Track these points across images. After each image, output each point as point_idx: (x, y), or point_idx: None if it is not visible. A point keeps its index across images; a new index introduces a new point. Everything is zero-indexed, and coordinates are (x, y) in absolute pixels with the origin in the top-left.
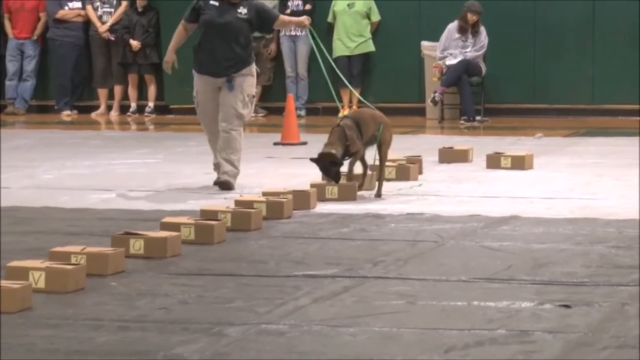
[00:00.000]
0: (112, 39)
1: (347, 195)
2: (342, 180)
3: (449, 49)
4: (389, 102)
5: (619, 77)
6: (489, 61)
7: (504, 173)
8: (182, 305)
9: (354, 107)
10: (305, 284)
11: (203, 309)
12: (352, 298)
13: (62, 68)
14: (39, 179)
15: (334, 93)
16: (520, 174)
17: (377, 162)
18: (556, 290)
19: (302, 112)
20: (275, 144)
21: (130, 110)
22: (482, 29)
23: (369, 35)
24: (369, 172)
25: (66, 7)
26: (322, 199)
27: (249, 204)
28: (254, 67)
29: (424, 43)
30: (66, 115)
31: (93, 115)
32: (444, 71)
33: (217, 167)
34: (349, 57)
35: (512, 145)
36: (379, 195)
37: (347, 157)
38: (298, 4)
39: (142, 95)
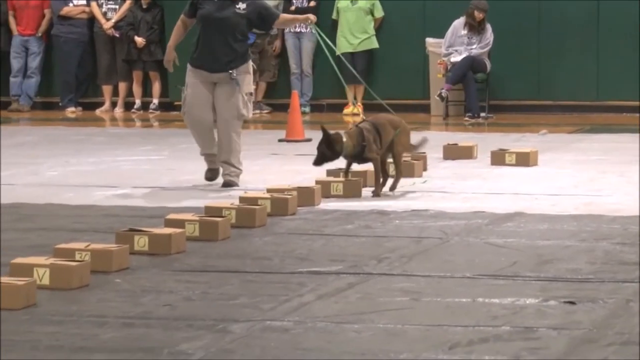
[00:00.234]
0: (117, 35)
1: (351, 192)
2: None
3: (454, 45)
4: (393, 99)
5: (623, 74)
6: (494, 58)
7: (509, 170)
8: (187, 302)
9: (359, 103)
10: (309, 281)
11: (207, 306)
12: (356, 295)
13: (66, 65)
14: (43, 175)
15: (345, 86)
16: (524, 170)
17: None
18: (561, 287)
19: (307, 109)
20: (279, 140)
21: (135, 107)
22: (488, 26)
23: (373, 32)
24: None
25: (71, 4)
26: (327, 195)
27: (253, 200)
28: (250, 64)
29: (429, 40)
30: (70, 112)
31: (97, 112)
32: (448, 68)
33: (208, 157)
34: (352, 53)
35: (516, 141)
36: (393, 188)
37: (358, 160)
38: (303, 1)
39: (146, 91)
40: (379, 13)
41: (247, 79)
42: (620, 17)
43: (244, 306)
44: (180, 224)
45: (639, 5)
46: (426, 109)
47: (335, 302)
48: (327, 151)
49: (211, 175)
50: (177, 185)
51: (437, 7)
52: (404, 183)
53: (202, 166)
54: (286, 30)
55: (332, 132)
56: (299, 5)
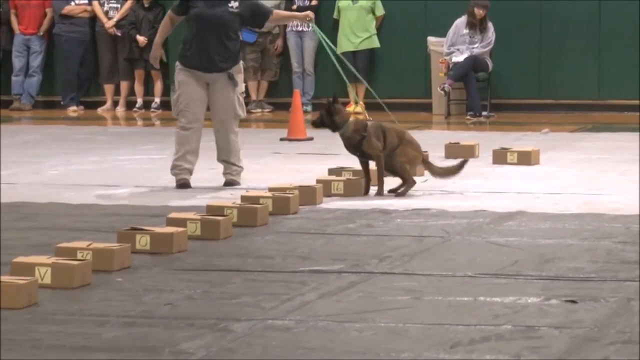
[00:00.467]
0: (119, 34)
1: (353, 191)
2: (350, 176)
3: (456, 44)
4: (395, 98)
5: (625, 72)
6: (495, 57)
7: (510, 168)
8: (188, 300)
9: (361, 102)
10: (311, 280)
11: (209, 305)
12: (358, 293)
13: (68, 64)
14: (45, 174)
15: (348, 85)
16: (526, 169)
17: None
18: (562, 286)
19: (309, 108)
20: (281, 139)
21: (137, 105)
22: (490, 25)
23: (374, 31)
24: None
25: (72, 3)
26: (328, 194)
27: (255, 199)
28: (241, 64)
29: (430, 39)
30: (72, 111)
31: (99, 110)
32: (450, 67)
33: (180, 168)
34: (353, 52)
35: (518, 140)
36: (400, 194)
37: (358, 154)
38: (304, 0)
39: (148, 90)
40: (380, 11)
41: (239, 79)
42: (621, 16)
43: (245, 305)
44: (182, 223)
45: None
46: (428, 107)
47: (337, 301)
48: (325, 117)
49: (181, 182)
50: None
51: (438, 6)
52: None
53: (204, 165)
54: (288, 29)
55: (342, 107)
56: (301, 4)
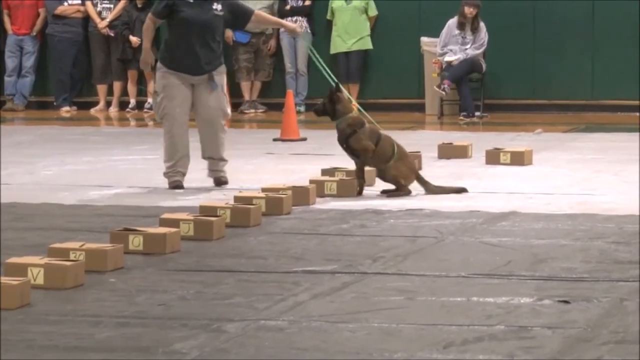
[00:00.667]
0: (112, 35)
1: (346, 191)
2: (343, 176)
3: (449, 45)
4: (388, 98)
5: (619, 73)
6: (489, 57)
7: (504, 169)
8: (181, 301)
9: (354, 103)
10: (304, 280)
11: (202, 305)
12: (351, 294)
13: (61, 64)
14: (39, 175)
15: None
16: (519, 169)
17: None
18: (555, 286)
19: (302, 108)
20: (274, 140)
21: (130, 106)
22: (482, 26)
23: (368, 32)
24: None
25: (65, 3)
26: (322, 195)
27: (248, 200)
28: (224, 66)
29: (424, 39)
30: (65, 111)
31: (92, 111)
32: (443, 67)
33: (174, 171)
34: (346, 53)
35: (511, 141)
36: (392, 196)
37: (347, 148)
38: (298, 1)
39: (141, 91)
40: (373, 12)
41: (222, 80)
42: (615, 16)
43: (238, 305)
44: (175, 223)
45: (639, 6)
46: (421, 108)
47: (330, 302)
48: (328, 105)
49: (176, 184)
50: None
51: (432, 7)
52: None
53: (197, 165)
54: (281, 30)
55: (345, 97)
56: (294, 5)
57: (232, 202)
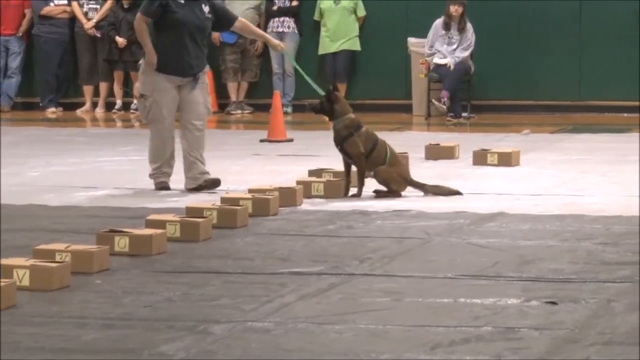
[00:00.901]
0: (98, 35)
1: (333, 192)
2: (330, 177)
3: (435, 45)
4: (375, 99)
5: (606, 73)
6: (476, 57)
7: (491, 170)
8: (168, 303)
9: None
10: (291, 281)
11: (188, 307)
12: (338, 295)
13: (47, 65)
14: (24, 176)
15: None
16: (507, 170)
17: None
18: (543, 287)
19: (289, 109)
20: (261, 140)
21: (116, 107)
22: (469, 26)
23: (357, 33)
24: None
25: (52, 4)
26: (309, 196)
27: (234, 201)
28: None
29: (411, 39)
30: (51, 112)
31: (78, 112)
32: (431, 68)
33: (159, 172)
34: (334, 53)
35: (498, 141)
36: (380, 196)
37: (341, 149)
38: (285, 1)
39: (126, 93)
40: (362, 12)
41: (207, 79)
42: (603, 17)
43: (225, 307)
44: (161, 224)
45: (623, 4)
46: (408, 109)
47: (317, 303)
48: (326, 104)
49: (163, 186)
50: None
51: (419, 7)
52: None
53: (182, 166)
54: (268, 30)
55: (342, 97)
56: (281, 5)
57: (218, 203)
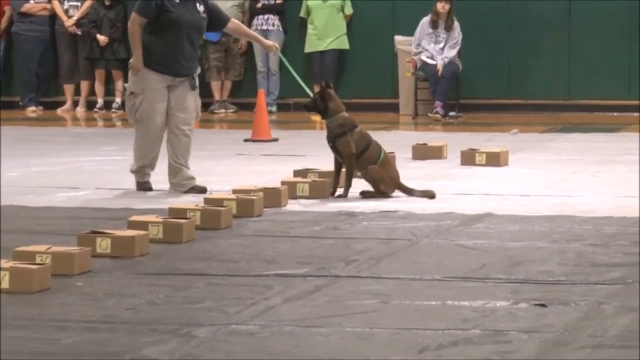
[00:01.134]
0: (79, 33)
1: (319, 193)
2: (315, 177)
3: (422, 43)
4: (362, 98)
5: (596, 72)
6: (464, 56)
7: (479, 170)
8: (151, 305)
9: None
10: (276, 284)
11: (172, 310)
12: (324, 298)
13: (27, 63)
14: (4, 177)
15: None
16: (495, 170)
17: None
18: (532, 289)
19: (274, 108)
20: (245, 140)
21: (97, 106)
22: (457, 25)
23: (345, 31)
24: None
25: (31, 1)
26: (294, 196)
27: (218, 201)
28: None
29: (398, 37)
30: (31, 111)
31: (59, 111)
32: (418, 66)
33: (142, 169)
34: (322, 52)
35: (487, 141)
36: (367, 197)
37: (333, 147)
38: None
39: (109, 90)
40: (349, 10)
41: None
42: (593, 15)
43: (209, 310)
44: (143, 226)
45: (613, 3)
46: (395, 108)
47: (303, 306)
48: (319, 102)
49: (143, 186)
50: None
51: (406, 4)
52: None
53: (166, 166)
54: (252, 28)
55: (335, 95)
56: (266, 3)
57: (202, 204)
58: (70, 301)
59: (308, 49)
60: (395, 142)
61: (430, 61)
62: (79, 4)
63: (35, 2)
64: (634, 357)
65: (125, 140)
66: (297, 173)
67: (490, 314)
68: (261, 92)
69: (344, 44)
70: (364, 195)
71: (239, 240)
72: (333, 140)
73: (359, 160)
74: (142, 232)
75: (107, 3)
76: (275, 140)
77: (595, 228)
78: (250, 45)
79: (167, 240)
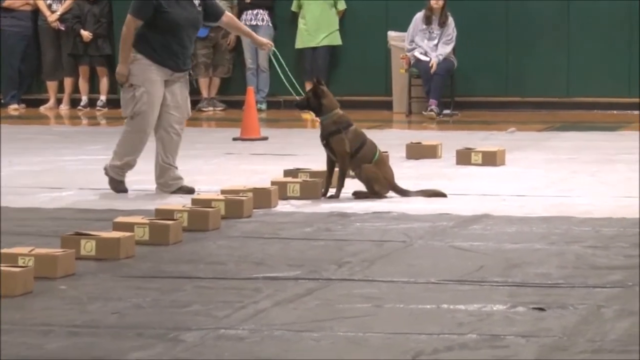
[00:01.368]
0: (62, 29)
1: (310, 193)
2: (306, 177)
3: (415, 39)
4: (355, 95)
5: (595, 69)
6: (460, 52)
7: (475, 169)
8: (136, 309)
9: None
10: (266, 287)
11: (158, 313)
12: (315, 301)
13: (9, 59)
14: None
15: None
16: (491, 170)
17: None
18: (530, 292)
19: (263, 106)
20: (234, 139)
21: (81, 104)
22: (451, 21)
23: (337, 27)
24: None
25: None
26: (284, 197)
27: (206, 202)
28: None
29: (391, 33)
30: (13, 109)
31: (42, 109)
32: (412, 63)
33: (124, 167)
34: (314, 48)
35: (483, 140)
36: (360, 197)
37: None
38: None
39: (93, 88)
40: (342, 5)
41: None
42: (591, 13)
43: (196, 314)
44: (129, 227)
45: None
46: (389, 105)
47: (293, 309)
48: (312, 99)
49: (121, 187)
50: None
51: (400, 0)
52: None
53: (153, 166)
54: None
55: (329, 91)
56: None
57: (189, 204)
58: (54, 305)
59: (299, 44)
60: (388, 140)
61: (423, 58)
62: None
63: None
64: None
65: (110, 139)
66: (287, 173)
67: (486, 318)
68: (250, 89)
69: (337, 40)
70: (357, 195)
71: (228, 242)
72: (327, 138)
73: (353, 160)
74: (127, 234)
75: None
76: (265, 139)
77: (595, 229)
78: (239, 41)
79: (153, 242)
